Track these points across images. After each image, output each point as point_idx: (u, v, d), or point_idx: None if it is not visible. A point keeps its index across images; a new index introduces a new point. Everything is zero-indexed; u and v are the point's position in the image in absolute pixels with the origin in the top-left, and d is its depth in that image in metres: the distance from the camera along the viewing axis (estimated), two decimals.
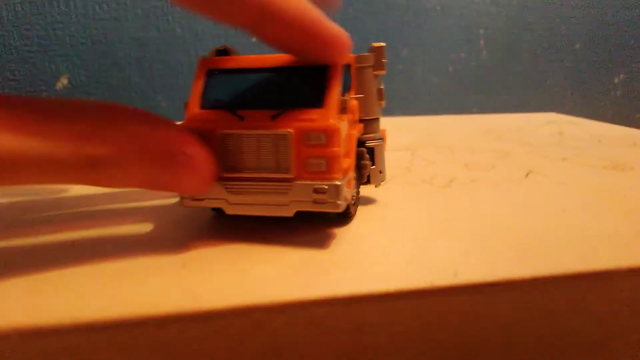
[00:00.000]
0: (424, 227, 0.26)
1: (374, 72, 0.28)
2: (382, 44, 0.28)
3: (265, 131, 0.22)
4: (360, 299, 0.19)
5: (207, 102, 0.24)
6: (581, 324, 0.22)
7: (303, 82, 0.23)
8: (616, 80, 0.91)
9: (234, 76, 0.24)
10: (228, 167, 0.23)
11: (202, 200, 0.23)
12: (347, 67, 0.25)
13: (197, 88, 0.24)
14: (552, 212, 0.28)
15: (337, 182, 0.22)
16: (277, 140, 0.22)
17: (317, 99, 0.22)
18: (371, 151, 0.28)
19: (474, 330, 0.21)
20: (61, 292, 0.19)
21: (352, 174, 0.25)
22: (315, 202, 0.22)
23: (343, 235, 0.25)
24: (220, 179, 0.23)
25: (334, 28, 0.22)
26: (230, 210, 0.23)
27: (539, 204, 0.29)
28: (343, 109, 0.23)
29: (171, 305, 0.18)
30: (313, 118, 0.22)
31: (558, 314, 0.21)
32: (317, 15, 0.22)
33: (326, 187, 0.22)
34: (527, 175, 0.35)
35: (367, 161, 0.28)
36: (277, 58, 0.24)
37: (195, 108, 0.23)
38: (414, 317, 0.20)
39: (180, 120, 0.23)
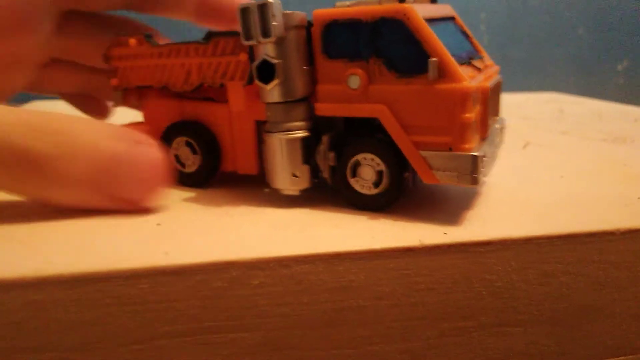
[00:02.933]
0: (418, 189, 0.25)
1: None
2: None
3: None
4: (343, 256, 0.18)
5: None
6: (578, 288, 0.21)
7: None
8: (619, 67, 0.90)
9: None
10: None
11: None
12: None
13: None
14: (549, 178, 0.27)
15: None
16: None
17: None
18: None
19: (464, 293, 0.20)
20: (24, 247, 0.18)
21: None
22: None
23: (327, 195, 0.24)
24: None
25: None
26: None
27: (536, 171, 0.28)
28: None
29: (141, 261, 0.17)
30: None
31: (553, 276, 0.20)
32: None
33: None
34: (525, 146, 0.34)
35: None
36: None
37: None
38: (400, 278, 0.19)
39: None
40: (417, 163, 0.21)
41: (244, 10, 0.21)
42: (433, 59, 0.20)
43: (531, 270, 0.20)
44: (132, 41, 0.26)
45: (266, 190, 0.25)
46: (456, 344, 0.20)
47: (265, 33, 0.21)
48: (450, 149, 0.20)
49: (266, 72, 0.22)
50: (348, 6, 0.22)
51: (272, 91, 0.22)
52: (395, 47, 0.21)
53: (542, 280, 0.20)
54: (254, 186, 0.25)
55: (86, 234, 0.19)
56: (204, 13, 0.30)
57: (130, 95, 0.28)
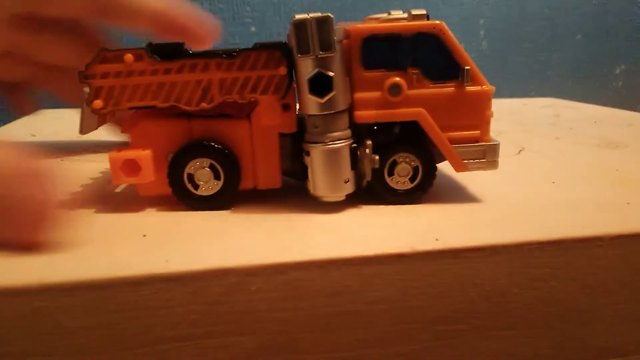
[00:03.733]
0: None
1: None
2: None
3: None
4: (338, 262, 0.19)
5: None
6: (568, 292, 0.21)
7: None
8: (617, 71, 0.91)
9: None
10: None
11: None
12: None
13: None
14: (541, 184, 0.28)
15: None
16: None
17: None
18: None
19: (457, 297, 0.20)
20: (29, 255, 0.19)
21: None
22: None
23: (321, 202, 0.24)
24: None
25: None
26: None
27: (529, 177, 0.29)
28: None
29: (142, 268, 0.18)
30: None
31: (543, 281, 0.21)
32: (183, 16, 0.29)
33: None
34: (519, 152, 0.35)
35: None
36: None
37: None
38: (394, 283, 0.20)
39: None
40: (451, 156, 0.24)
41: (300, 25, 0.22)
42: (467, 67, 0.23)
43: (522, 275, 0.21)
44: (128, 57, 0.23)
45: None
46: (450, 347, 0.21)
47: (326, 47, 0.22)
48: (477, 141, 0.24)
49: (319, 84, 0.22)
50: (380, 21, 0.24)
51: (325, 103, 0.22)
52: (430, 57, 0.24)
53: (532, 285, 0.21)
54: (247, 194, 0.26)
55: (88, 241, 0.20)
56: (160, 26, 0.30)
57: (107, 117, 0.27)
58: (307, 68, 0.22)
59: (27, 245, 0.19)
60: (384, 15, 0.24)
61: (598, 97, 0.89)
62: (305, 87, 0.22)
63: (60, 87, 0.35)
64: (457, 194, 0.26)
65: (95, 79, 0.23)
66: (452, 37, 0.23)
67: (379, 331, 0.20)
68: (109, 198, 0.26)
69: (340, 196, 0.24)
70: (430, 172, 0.25)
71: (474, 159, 0.24)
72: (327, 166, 0.23)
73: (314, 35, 0.22)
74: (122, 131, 0.25)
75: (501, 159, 0.25)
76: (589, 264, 0.21)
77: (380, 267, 0.19)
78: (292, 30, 0.22)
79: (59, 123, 0.38)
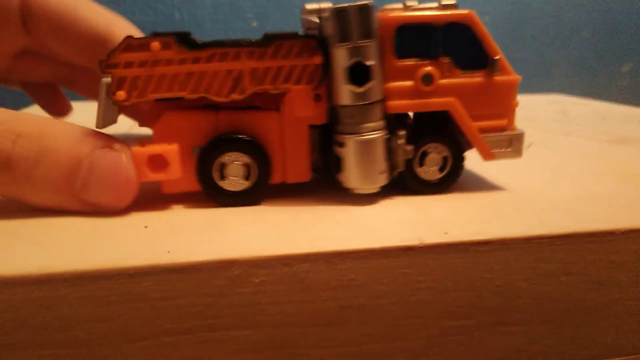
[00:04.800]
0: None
1: None
2: None
3: None
4: (344, 255, 0.19)
5: None
6: (578, 288, 0.21)
7: None
8: (624, 69, 0.90)
9: None
10: None
11: None
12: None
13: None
14: (551, 178, 0.27)
15: None
16: None
17: None
18: None
19: (465, 292, 0.20)
20: (28, 244, 0.19)
21: None
22: None
23: (329, 195, 0.24)
24: None
25: None
26: None
27: (538, 171, 0.29)
28: None
29: (144, 259, 0.17)
30: None
31: (553, 276, 0.20)
32: None
33: None
34: (528, 147, 0.34)
35: None
36: None
37: None
38: (401, 277, 0.19)
39: None
40: (480, 145, 0.24)
41: (340, 12, 0.21)
42: (497, 57, 0.24)
43: (531, 269, 0.20)
44: (155, 45, 0.21)
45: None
46: (457, 343, 0.20)
47: (367, 34, 0.22)
48: (504, 130, 0.24)
49: (357, 74, 0.22)
50: (410, 9, 0.24)
51: (362, 93, 0.22)
52: (461, 47, 0.24)
53: (542, 280, 0.20)
54: None
55: (89, 232, 0.20)
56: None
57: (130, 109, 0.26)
58: (344, 57, 0.22)
59: (103, 207, 0.21)
60: (399, 6, 0.24)
61: (604, 96, 0.88)
62: (342, 76, 0.22)
63: (82, 84, 0.35)
64: (467, 188, 0.25)
65: (118, 69, 0.22)
66: (482, 26, 0.24)
67: (385, 326, 0.20)
68: None
69: (374, 188, 0.23)
70: (459, 162, 0.25)
71: (500, 148, 0.25)
72: (363, 157, 0.23)
73: (355, 22, 0.21)
74: (142, 125, 0.24)
75: None
76: (600, 259, 0.21)
77: (387, 261, 0.19)
78: (331, 18, 0.21)
79: (73, 116, 0.37)
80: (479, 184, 0.26)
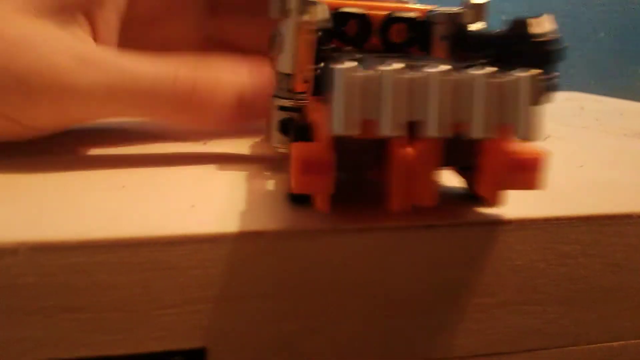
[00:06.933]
0: None
1: None
2: None
3: None
4: (370, 229, 0.19)
5: None
6: (595, 270, 0.21)
7: None
8: None
9: None
10: None
11: None
12: None
13: None
14: (568, 166, 0.27)
15: None
16: None
17: None
18: None
19: (485, 269, 0.20)
20: (68, 211, 0.19)
21: None
22: None
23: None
24: None
25: None
26: None
27: (556, 160, 0.29)
28: None
29: (177, 227, 0.18)
30: None
31: (571, 257, 0.21)
32: None
33: None
34: (545, 138, 0.35)
35: None
36: None
37: None
38: (420, 254, 0.20)
39: None
40: None
41: None
42: None
43: (550, 250, 0.21)
44: None
45: None
46: (476, 321, 0.21)
47: None
48: None
49: None
50: None
51: None
52: None
53: (560, 261, 0.21)
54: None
55: (123, 200, 0.20)
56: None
57: None
58: None
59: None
60: None
61: (620, 96, 0.88)
62: None
63: None
64: None
65: None
66: None
67: (402, 302, 0.20)
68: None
69: None
70: None
71: None
72: None
73: None
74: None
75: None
76: (619, 242, 0.21)
77: (407, 237, 0.19)
78: None
79: None
80: None
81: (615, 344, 0.22)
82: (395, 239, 0.19)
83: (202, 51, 0.32)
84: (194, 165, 0.26)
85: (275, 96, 0.24)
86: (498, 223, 0.20)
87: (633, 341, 0.22)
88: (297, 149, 0.18)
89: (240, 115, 0.25)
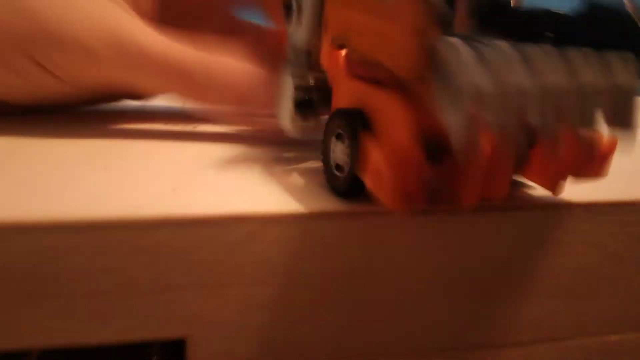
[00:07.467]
0: None
1: None
2: None
3: None
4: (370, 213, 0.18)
5: None
6: (595, 260, 0.20)
7: None
8: None
9: None
10: None
11: None
12: None
13: None
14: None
15: None
16: None
17: None
18: None
19: (472, 257, 0.19)
20: (40, 191, 0.18)
21: None
22: None
23: None
24: None
25: None
26: None
27: None
28: None
29: (157, 209, 0.17)
30: None
31: (569, 245, 0.20)
32: None
33: None
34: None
35: None
36: None
37: None
38: (416, 238, 0.19)
39: None
40: None
41: None
42: None
43: (548, 238, 0.20)
44: None
45: None
46: (471, 312, 0.20)
47: None
48: None
49: None
50: None
51: None
52: None
53: (558, 250, 0.20)
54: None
55: (101, 180, 0.19)
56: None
57: None
58: None
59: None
60: None
61: None
62: None
63: None
64: None
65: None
66: None
67: (395, 293, 0.19)
68: None
69: None
70: None
71: None
72: None
73: None
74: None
75: None
76: (620, 231, 0.20)
77: (401, 221, 0.19)
78: None
79: None
80: None
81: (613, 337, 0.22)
82: (384, 221, 0.18)
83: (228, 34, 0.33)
84: (181, 145, 0.25)
85: (289, 74, 0.22)
86: (495, 208, 0.19)
87: (633, 333, 0.22)
88: (388, 161, 0.15)
89: (244, 99, 0.25)
